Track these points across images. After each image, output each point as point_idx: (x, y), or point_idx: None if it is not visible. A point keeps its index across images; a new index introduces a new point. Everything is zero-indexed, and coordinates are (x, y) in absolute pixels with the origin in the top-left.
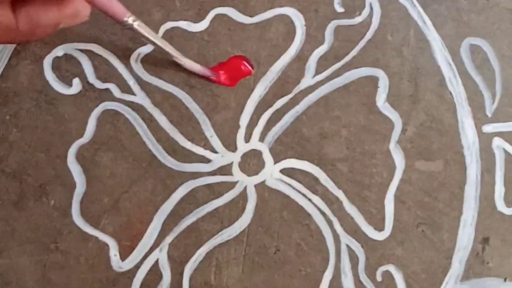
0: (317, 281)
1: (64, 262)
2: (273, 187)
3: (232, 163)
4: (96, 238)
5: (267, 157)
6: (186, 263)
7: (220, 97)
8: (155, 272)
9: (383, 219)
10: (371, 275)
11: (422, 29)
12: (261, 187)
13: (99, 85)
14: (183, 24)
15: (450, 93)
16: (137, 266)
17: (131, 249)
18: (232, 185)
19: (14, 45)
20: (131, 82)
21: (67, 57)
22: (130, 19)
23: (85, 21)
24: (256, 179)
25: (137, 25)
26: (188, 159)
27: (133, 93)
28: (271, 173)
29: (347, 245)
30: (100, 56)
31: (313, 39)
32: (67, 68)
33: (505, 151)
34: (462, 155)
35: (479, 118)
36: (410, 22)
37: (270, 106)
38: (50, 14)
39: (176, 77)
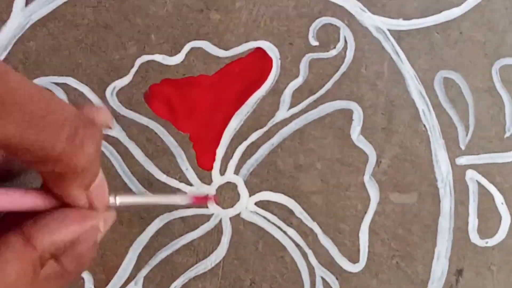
0: None
1: None
2: (248, 219)
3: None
4: None
5: (242, 189)
6: None
7: None
8: None
9: (358, 251)
10: None
11: (396, 62)
12: (236, 219)
13: None
14: (158, 58)
15: (424, 125)
16: None
17: (106, 282)
18: (207, 217)
19: None
20: None
21: None
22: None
23: (59, 54)
24: (231, 211)
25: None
26: (164, 192)
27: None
28: (246, 205)
29: (322, 278)
30: (75, 89)
31: (287, 72)
32: None
33: (479, 183)
34: (436, 187)
35: (453, 151)
36: (384, 55)
37: (245, 139)
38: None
39: (151, 111)
